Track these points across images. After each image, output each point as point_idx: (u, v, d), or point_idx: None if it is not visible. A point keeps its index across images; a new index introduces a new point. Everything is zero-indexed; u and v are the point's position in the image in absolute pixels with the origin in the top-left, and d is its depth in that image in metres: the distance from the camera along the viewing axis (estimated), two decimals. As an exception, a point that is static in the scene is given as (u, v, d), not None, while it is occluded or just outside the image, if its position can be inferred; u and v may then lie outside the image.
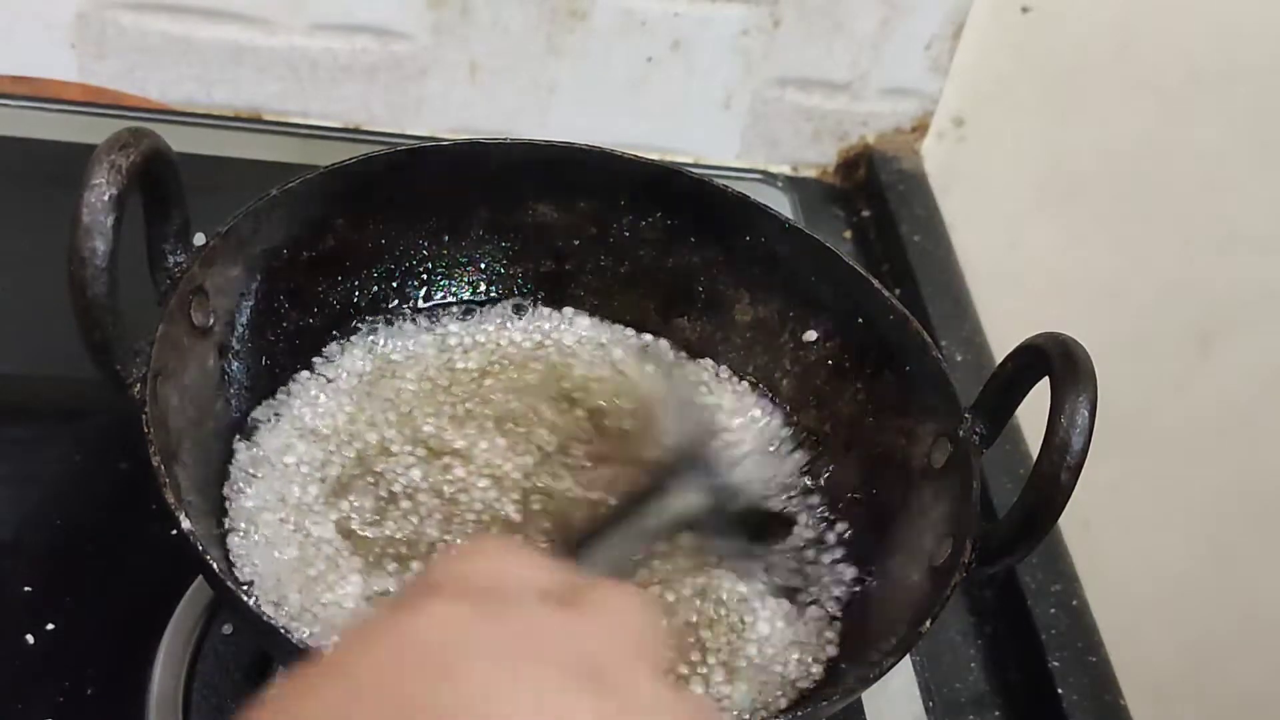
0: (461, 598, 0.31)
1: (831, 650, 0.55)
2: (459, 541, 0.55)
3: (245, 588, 0.51)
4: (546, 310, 0.65)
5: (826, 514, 0.60)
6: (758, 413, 0.63)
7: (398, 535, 0.55)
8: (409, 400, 0.60)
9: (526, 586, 0.32)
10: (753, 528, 0.55)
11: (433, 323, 0.64)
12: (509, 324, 0.65)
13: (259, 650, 0.57)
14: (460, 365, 0.62)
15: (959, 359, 0.79)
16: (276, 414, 0.58)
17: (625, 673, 0.31)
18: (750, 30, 0.86)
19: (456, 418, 0.60)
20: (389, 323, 0.63)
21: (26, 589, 0.58)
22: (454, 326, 0.64)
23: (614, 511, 0.51)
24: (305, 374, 0.60)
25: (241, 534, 0.53)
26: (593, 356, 0.64)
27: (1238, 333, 1.03)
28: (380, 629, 0.30)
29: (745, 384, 0.64)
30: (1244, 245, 0.99)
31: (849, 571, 0.58)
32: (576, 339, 0.65)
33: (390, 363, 0.62)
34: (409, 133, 0.87)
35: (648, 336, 0.65)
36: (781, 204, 0.88)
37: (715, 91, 0.89)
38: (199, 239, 0.53)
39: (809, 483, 0.61)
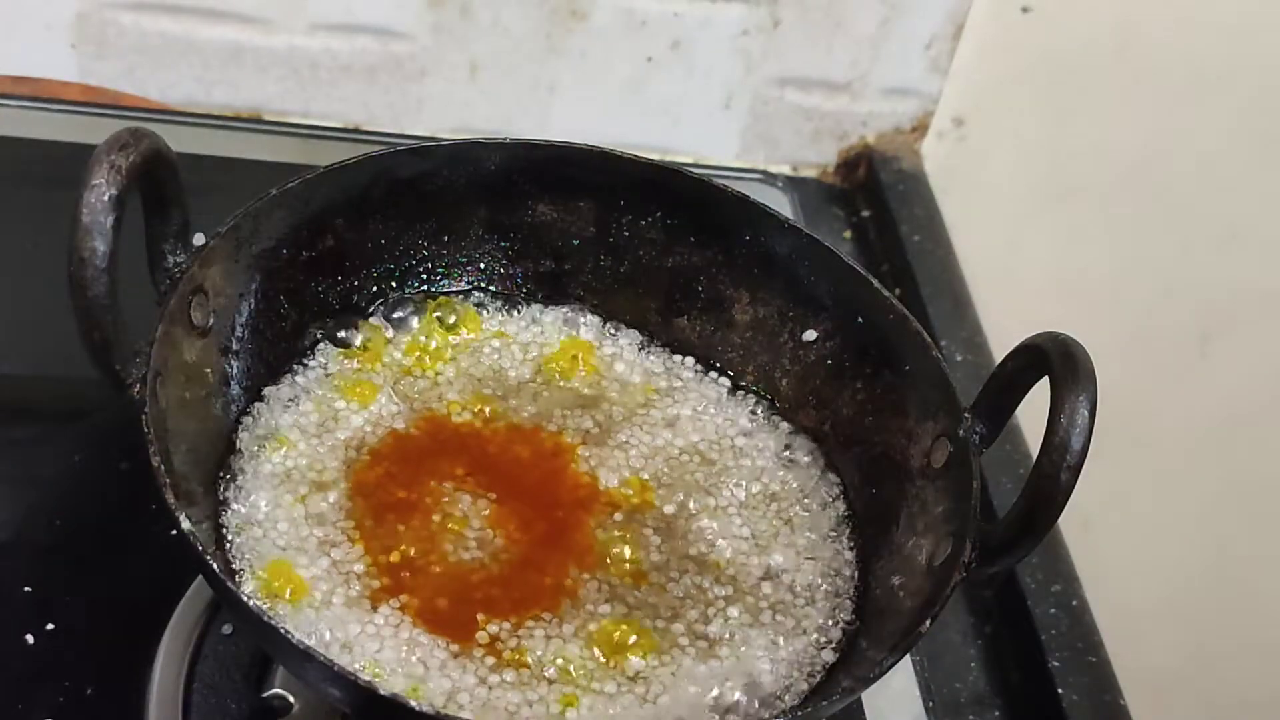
0: None
1: (831, 650, 0.55)
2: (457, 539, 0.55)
3: (244, 588, 0.51)
4: (545, 310, 0.65)
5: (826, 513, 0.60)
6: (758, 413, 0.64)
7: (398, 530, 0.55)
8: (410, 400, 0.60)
9: None
10: None
11: (432, 323, 0.64)
12: (507, 324, 0.65)
13: (259, 650, 0.57)
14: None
15: (959, 359, 0.79)
16: (277, 414, 0.58)
17: None
18: (750, 30, 0.86)
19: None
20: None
21: (26, 589, 0.58)
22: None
23: None
24: (306, 374, 0.60)
25: (242, 534, 0.53)
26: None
27: (1238, 333, 1.03)
28: None
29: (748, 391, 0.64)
30: (1244, 245, 0.99)
31: (848, 571, 0.58)
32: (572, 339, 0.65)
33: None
34: (409, 133, 0.87)
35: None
36: (781, 204, 0.88)
37: (715, 91, 0.89)
38: (199, 239, 0.53)
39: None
